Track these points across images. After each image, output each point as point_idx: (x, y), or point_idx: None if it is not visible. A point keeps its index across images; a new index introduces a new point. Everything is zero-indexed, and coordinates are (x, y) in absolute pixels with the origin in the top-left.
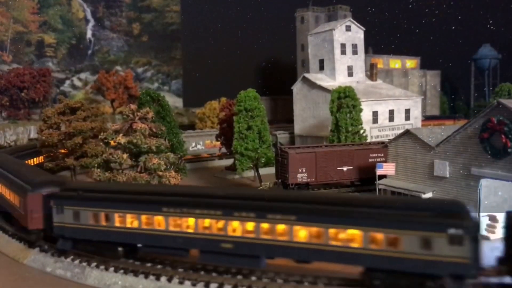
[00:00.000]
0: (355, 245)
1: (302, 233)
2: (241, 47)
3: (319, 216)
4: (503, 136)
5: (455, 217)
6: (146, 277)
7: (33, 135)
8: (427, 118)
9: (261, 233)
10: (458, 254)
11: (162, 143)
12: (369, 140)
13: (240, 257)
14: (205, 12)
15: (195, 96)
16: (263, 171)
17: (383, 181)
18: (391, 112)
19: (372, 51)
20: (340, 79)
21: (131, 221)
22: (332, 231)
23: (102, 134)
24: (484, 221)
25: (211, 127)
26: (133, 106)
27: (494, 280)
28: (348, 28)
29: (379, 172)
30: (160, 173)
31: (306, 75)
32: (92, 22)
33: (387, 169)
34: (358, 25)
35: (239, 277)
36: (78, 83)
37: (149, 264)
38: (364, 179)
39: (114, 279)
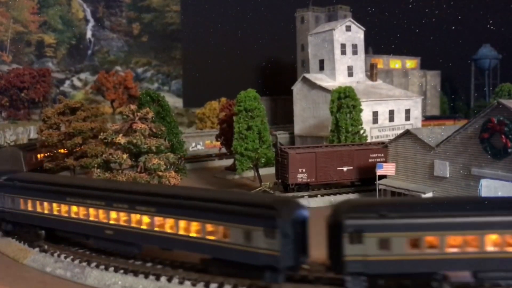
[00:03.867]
0: (197, 235)
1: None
2: (241, 47)
3: (172, 209)
4: (503, 136)
5: (273, 213)
6: (146, 277)
7: (33, 135)
8: (427, 118)
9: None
10: (271, 247)
11: (162, 143)
12: (369, 140)
13: (119, 243)
14: (205, 12)
15: (195, 96)
16: (263, 171)
17: (383, 181)
18: (391, 112)
19: (372, 51)
20: (340, 79)
21: (47, 208)
22: (181, 222)
23: (102, 134)
24: None
25: (211, 127)
26: (133, 107)
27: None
28: (348, 28)
29: (379, 172)
30: (160, 173)
31: (306, 75)
32: (92, 22)
33: (387, 169)
34: (358, 25)
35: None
36: (78, 83)
37: (149, 264)
38: (364, 179)
39: (114, 279)
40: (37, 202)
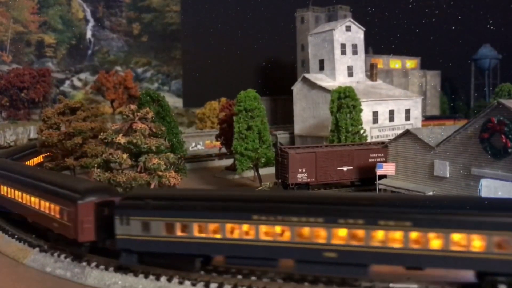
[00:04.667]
0: (476, 249)
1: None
2: (241, 47)
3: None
4: (503, 136)
5: None
6: (146, 277)
7: (33, 135)
8: (427, 118)
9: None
10: None
11: (162, 143)
12: (369, 140)
13: (344, 266)
14: (205, 12)
15: (195, 96)
16: (263, 171)
17: (383, 181)
18: (391, 112)
19: (372, 51)
20: (340, 79)
21: (213, 230)
22: (454, 236)
23: (102, 134)
24: None
25: (211, 127)
26: (133, 106)
27: None
28: (348, 28)
29: (379, 172)
30: (160, 173)
31: (306, 75)
32: (92, 22)
33: (387, 169)
34: (358, 25)
35: (239, 277)
36: (78, 83)
37: None
38: (364, 179)
39: (114, 279)
40: (195, 225)
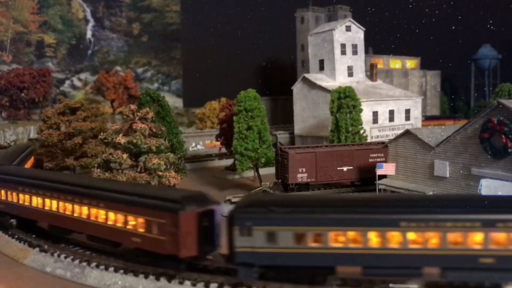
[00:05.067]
0: None
1: None
2: (241, 47)
3: None
4: (503, 136)
5: None
6: (146, 277)
7: (33, 135)
8: (427, 118)
9: None
10: None
11: (162, 143)
12: (369, 140)
13: (500, 272)
14: (205, 12)
15: (195, 96)
16: (263, 171)
17: (383, 181)
18: (391, 112)
19: (372, 51)
20: (340, 79)
21: (353, 239)
22: None
23: (102, 134)
24: None
25: (211, 127)
26: (133, 106)
27: None
28: (348, 28)
29: (379, 172)
30: (160, 173)
31: (306, 75)
32: (92, 22)
33: (387, 169)
34: (358, 25)
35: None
36: (78, 83)
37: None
38: (364, 179)
39: (114, 279)
40: (331, 234)
